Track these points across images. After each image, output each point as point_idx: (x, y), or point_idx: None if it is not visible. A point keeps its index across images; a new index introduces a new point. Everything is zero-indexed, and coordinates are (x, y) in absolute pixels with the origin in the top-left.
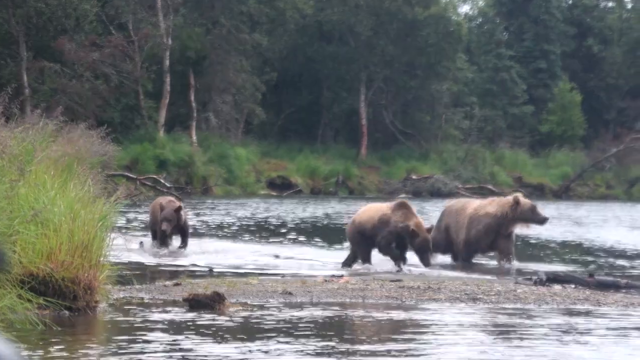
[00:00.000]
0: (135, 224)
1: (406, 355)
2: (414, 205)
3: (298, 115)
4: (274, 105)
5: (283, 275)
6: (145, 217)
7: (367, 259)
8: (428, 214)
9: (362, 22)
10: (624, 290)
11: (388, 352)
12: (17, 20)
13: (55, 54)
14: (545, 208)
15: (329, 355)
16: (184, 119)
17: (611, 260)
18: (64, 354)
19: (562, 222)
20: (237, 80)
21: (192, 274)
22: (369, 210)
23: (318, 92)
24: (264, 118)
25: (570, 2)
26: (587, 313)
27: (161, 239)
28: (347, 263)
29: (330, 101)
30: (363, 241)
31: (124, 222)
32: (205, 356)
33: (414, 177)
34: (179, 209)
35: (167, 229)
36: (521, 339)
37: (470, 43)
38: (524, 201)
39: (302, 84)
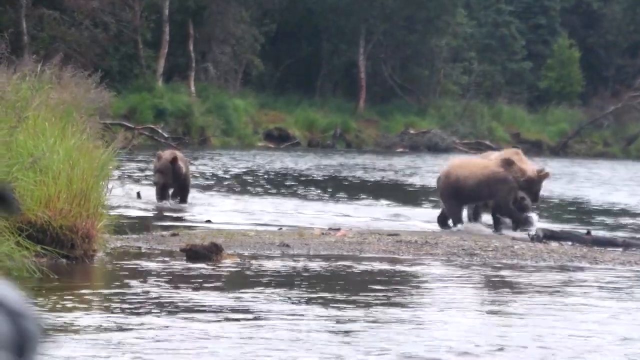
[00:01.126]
0: (132, 174)
1: (399, 306)
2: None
3: (297, 67)
4: (273, 57)
5: (280, 228)
6: (143, 167)
7: (458, 219)
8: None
9: None
10: (621, 249)
11: (380, 303)
12: None
13: (54, 1)
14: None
15: (323, 305)
16: (183, 69)
17: (609, 218)
18: (61, 302)
19: (560, 180)
20: (237, 31)
21: (190, 226)
22: (469, 165)
23: (317, 44)
24: (263, 69)
25: None
26: (583, 270)
27: (157, 192)
28: (442, 221)
29: (329, 54)
30: (457, 199)
31: (122, 171)
32: (202, 305)
33: (411, 131)
34: (174, 160)
35: (159, 181)
36: (516, 293)
37: None
38: None
39: (301, 36)
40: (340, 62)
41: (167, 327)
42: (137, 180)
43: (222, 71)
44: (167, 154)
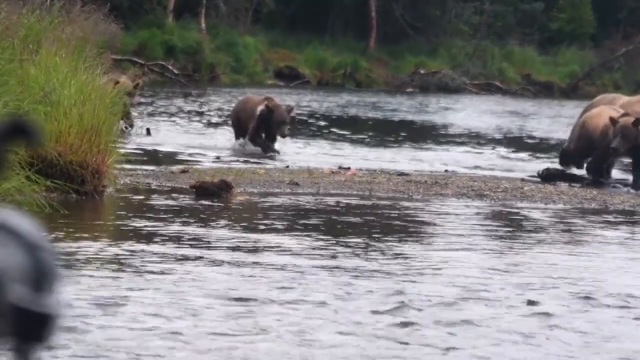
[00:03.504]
0: (145, 109)
1: (407, 242)
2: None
3: (307, 5)
4: None
5: (287, 166)
6: (154, 104)
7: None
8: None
9: None
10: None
11: (389, 239)
12: None
13: None
14: (551, 112)
15: (333, 242)
16: (193, 5)
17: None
18: (71, 236)
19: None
20: None
21: (200, 162)
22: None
23: None
24: (273, 7)
25: None
26: (593, 212)
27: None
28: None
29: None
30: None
31: (134, 105)
32: (210, 241)
33: (422, 71)
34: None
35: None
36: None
37: None
38: None
39: None
40: (351, 0)
41: (171, 254)
42: (148, 117)
43: (232, 8)
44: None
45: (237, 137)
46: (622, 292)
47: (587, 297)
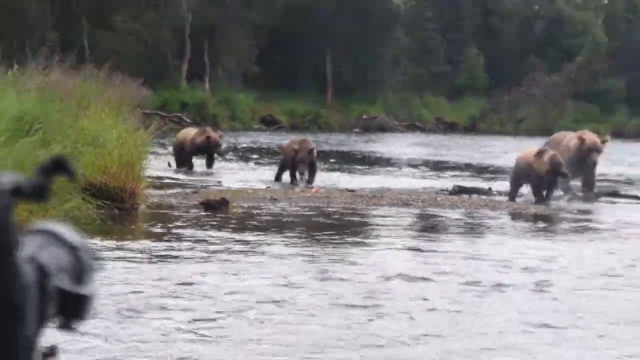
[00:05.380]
0: (164, 149)
1: (348, 234)
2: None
3: (281, 70)
4: (265, 63)
5: (269, 187)
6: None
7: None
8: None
9: (325, 4)
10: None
11: (342, 234)
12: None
13: (108, 24)
14: (458, 144)
15: (305, 239)
16: (200, 72)
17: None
18: (115, 240)
19: (476, 151)
20: (239, 46)
21: (206, 187)
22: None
23: (297, 55)
24: (257, 72)
25: None
26: (488, 215)
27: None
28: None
29: (306, 61)
30: None
31: (157, 147)
32: (214, 241)
33: (364, 117)
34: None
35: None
36: (435, 233)
37: (406, 19)
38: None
39: (286, 49)
40: (313, 67)
41: (185, 248)
42: (169, 154)
43: (227, 73)
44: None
45: None
46: (500, 259)
47: (476, 268)
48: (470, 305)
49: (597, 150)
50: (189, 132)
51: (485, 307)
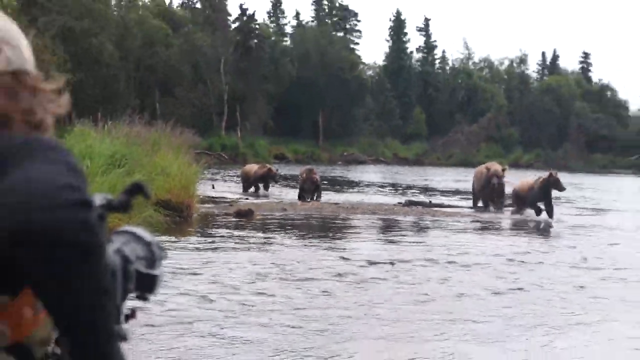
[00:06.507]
0: (211, 176)
1: (333, 232)
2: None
3: (289, 123)
4: (278, 119)
5: (281, 200)
6: (215, 172)
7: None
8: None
9: (320, 78)
10: (449, 209)
11: (330, 231)
12: (150, 73)
13: (172, 93)
14: (408, 172)
15: (305, 234)
16: (234, 126)
17: (441, 193)
18: (178, 236)
19: (417, 176)
20: (261, 108)
21: (237, 201)
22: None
23: (299, 112)
24: (272, 124)
25: (420, 69)
26: (428, 219)
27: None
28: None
29: (305, 117)
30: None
31: (205, 174)
32: (244, 238)
33: (345, 154)
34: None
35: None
36: (393, 230)
37: (372, 89)
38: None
39: (292, 109)
40: (310, 121)
41: (225, 243)
42: (212, 179)
43: (252, 126)
44: (306, 172)
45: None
46: (439, 245)
47: (431, 256)
48: (421, 277)
49: (497, 175)
50: (252, 167)
51: (433, 276)
